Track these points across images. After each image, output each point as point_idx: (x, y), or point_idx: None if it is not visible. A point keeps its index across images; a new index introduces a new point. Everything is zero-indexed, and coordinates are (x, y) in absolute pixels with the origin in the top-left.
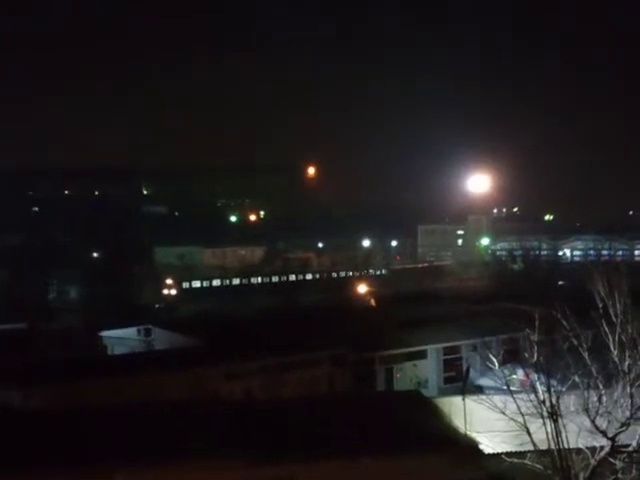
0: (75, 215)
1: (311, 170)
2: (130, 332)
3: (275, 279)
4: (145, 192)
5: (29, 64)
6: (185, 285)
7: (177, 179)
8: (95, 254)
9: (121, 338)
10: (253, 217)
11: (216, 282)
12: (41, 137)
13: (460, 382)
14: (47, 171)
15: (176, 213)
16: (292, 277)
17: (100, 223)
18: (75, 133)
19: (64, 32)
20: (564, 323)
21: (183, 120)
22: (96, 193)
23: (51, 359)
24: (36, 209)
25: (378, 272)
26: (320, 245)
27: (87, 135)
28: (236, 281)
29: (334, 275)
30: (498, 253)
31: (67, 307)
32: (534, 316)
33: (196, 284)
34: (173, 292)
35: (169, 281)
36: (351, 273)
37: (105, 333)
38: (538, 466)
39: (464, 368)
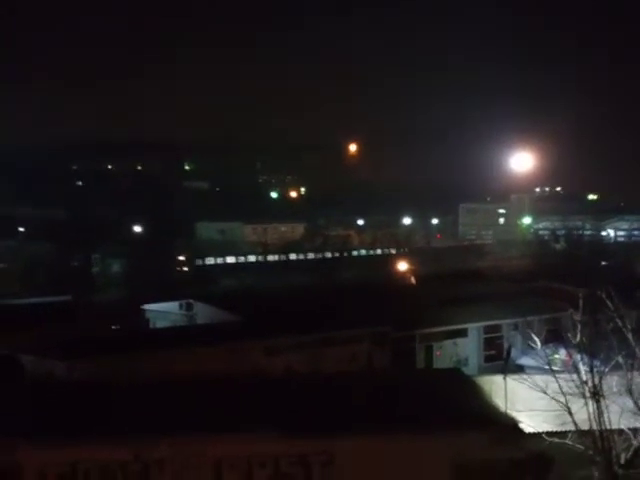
0: (118, 190)
1: (352, 147)
2: (172, 306)
3: (315, 256)
4: (187, 167)
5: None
6: (227, 260)
7: (219, 155)
8: (138, 229)
9: (163, 312)
10: (294, 194)
11: (254, 258)
12: (87, 112)
13: (500, 361)
14: (91, 146)
15: (217, 189)
16: (332, 254)
17: (142, 198)
18: (120, 108)
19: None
20: (608, 303)
21: (228, 97)
22: (139, 168)
23: (95, 331)
24: (80, 183)
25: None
26: (361, 222)
27: (132, 110)
28: (276, 257)
29: (375, 252)
30: (540, 232)
31: (110, 281)
32: (577, 296)
33: (232, 259)
34: (185, 269)
35: (181, 258)
36: (393, 251)
37: (147, 307)
38: (579, 446)
39: (505, 347)
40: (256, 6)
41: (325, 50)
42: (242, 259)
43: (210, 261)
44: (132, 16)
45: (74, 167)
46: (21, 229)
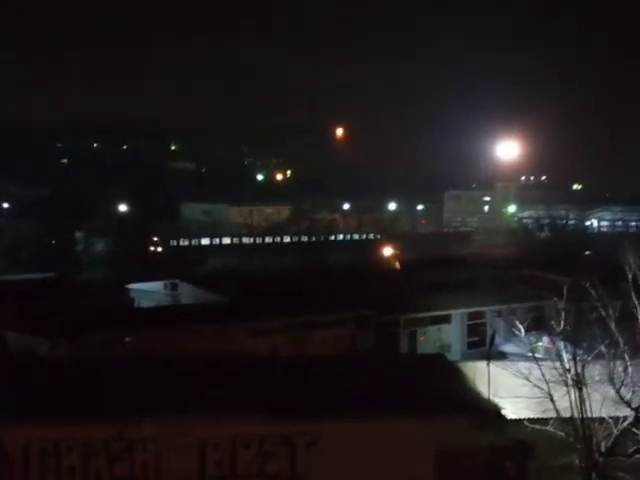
0: (103, 168)
1: (339, 131)
2: (157, 286)
3: (301, 239)
4: (173, 148)
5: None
6: (212, 241)
7: (205, 136)
8: (123, 208)
9: (148, 291)
10: (280, 176)
11: (240, 239)
12: (73, 90)
13: (483, 347)
14: (76, 124)
15: (203, 170)
16: (317, 237)
17: (128, 177)
18: (106, 87)
19: None
20: (592, 292)
21: (215, 79)
22: (125, 147)
23: (79, 309)
24: (64, 161)
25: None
26: (346, 207)
27: (118, 90)
28: (261, 240)
29: (360, 237)
30: (525, 221)
31: (94, 259)
32: (561, 284)
33: (217, 241)
34: (159, 249)
35: (155, 238)
36: (377, 236)
37: (132, 286)
38: (560, 433)
39: (489, 334)
40: None
41: (311, 33)
42: (227, 240)
43: (195, 242)
44: None
45: (59, 145)
46: (5, 205)
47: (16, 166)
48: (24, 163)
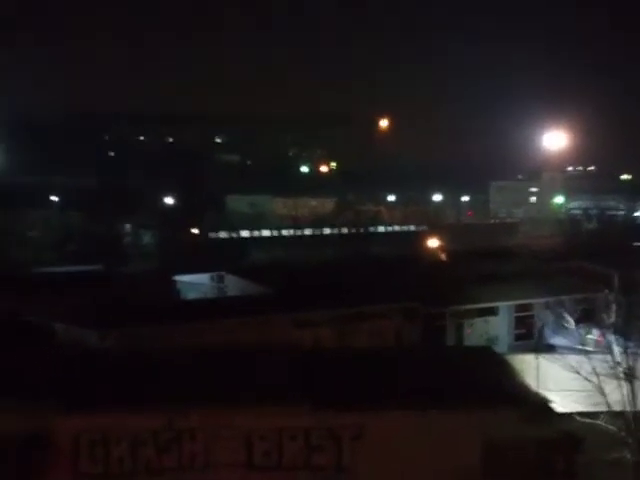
0: (150, 161)
1: (384, 122)
2: (203, 278)
3: (346, 231)
4: (218, 140)
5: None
6: (257, 233)
7: (250, 128)
8: (169, 200)
9: (194, 283)
10: (324, 168)
11: (286, 232)
12: (119, 83)
13: (531, 340)
14: (123, 116)
15: (248, 162)
16: (363, 229)
17: (174, 169)
18: (152, 80)
19: None
20: None
21: (261, 70)
22: (170, 140)
23: (126, 301)
24: (112, 154)
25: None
26: (391, 198)
27: (164, 83)
28: (307, 231)
29: (405, 228)
30: (572, 212)
31: (142, 252)
32: (609, 276)
33: (265, 233)
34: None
35: (196, 231)
36: (422, 227)
37: (179, 278)
38: (611, 427)
39: (536, 326)
40: None
41: (358, 23)
42: (272, 232)
43: (240, 234)
44: None
45: (106, 137)
46: (54, 198)
47: (64, 159)
48: (72, 156)
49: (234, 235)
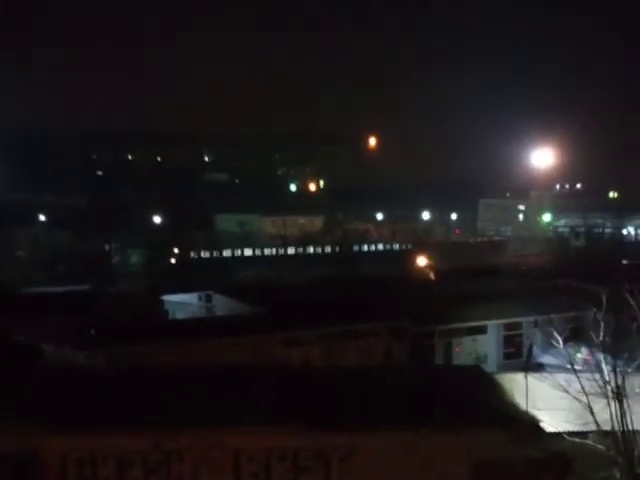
0: (138, 180)
1: (372, 141)
2: (191, 297)
3: (334, 249)
4: (206, 159)
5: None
6: (245, 252)
7: (238, 147)
8: (157, 219)
9: (182, 303)
10: (313, 186)
11: (273, 250)
12: (105, 103)
13: (520, 359)
14: (110, 136)
15: (236, 180)
16: (351, 248)
17: (162, 189)
18: (138, 99)
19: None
20: (632, 302)
21: (245, 88)
22: (158, 159)
23: (114, 321)
24: (100, 173)
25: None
26: (379, 216)
27: (150, 101)
28: (295, 250)
29: (393, 247)
30: (560, 230)
31: (129, 271)
32: (598, 294)
33: (254, 252)
34: (174, 261)
35: (175, 250)
36: (410, 245)
37: (166, 297)
38: (600, 447)
39: (525, 345)
40: None
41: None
42: (261, 251)
43: (229, 253)
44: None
45: (93, 156)
46: (42, 217)
47: (52, 177)
48: (60, 174)
49: (222, 254)
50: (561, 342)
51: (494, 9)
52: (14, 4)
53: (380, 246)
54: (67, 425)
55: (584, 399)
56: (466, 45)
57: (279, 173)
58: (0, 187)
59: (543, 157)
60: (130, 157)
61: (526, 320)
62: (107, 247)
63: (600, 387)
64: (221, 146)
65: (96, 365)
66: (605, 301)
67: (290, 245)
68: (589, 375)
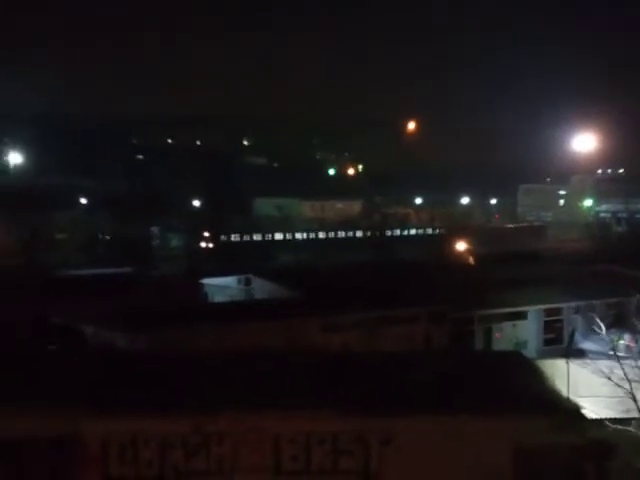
0: (178, 164)
1: (411, 125)
2: (230, 281)
3: (373, 234)
4: (245, 143)
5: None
6: (284, 236)
7: (277, 131)
8: (197, 203)
9: (221, 286)
10: (351, 171)
11: (308, 235)
12: (148, 86)
13: (560, 345)
14: (151, 120)
15: (275, 165)
16: (390, 232)
17: (202, 173)
18: (179, 84)
19: None
20: None
21: (286, 72)
22: (198, 143)
23: (156, 304)
24: (140, 157)
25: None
26: (418, 201)
27: (191, 86)
28: (333, 234)
29: (433, 231)
30: (602, 215)
31: (169, 254)
32: (638, 279)
33: (290, 235)
34: (210, 245)
35: (206, 234)
36: (451, 230)
37: (206, 281)
38: None
39: (566, 331)
40: None
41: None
42: (299, 235)
43: (268, 237)
44: None
45: (134, 140)
46: (82, 201)
47: (93, 162)
48: (101, 159)
49: (261, 238)
50: (603, 328)
51: None
52: None
53: (419, 230)
54: (108, 408)
55: (626, 386)
56: (513, 29)
57: (318, 157)
58: (40, 171)
59: (585, 142)
60: (170, 141)
61: (567, 306)
62: (147, 231)
63: None
64: (259, 130)
65: (136, 348)
66: None
67: (328, 229)
68: (632, 362)
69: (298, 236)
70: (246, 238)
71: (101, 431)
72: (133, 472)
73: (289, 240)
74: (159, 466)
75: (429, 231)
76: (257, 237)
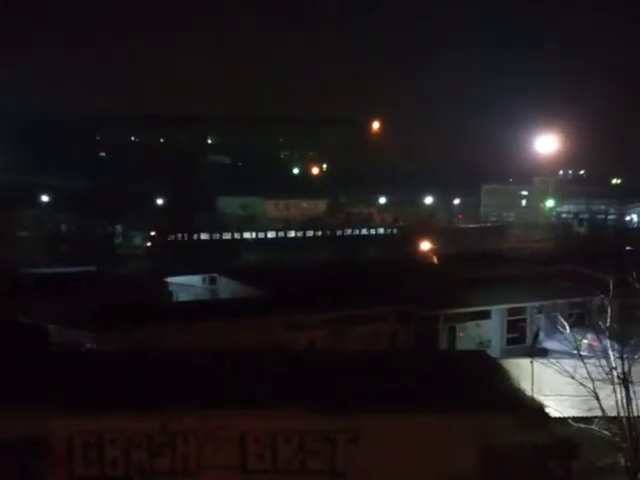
0: (141, 162)
1: (375, 125)
2: (195, 280)
3: (337, 233)
4: (209, 141)
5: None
6: (248, 235)
7: (241, 129)
8: (160, 201)
9: (186, 285)
10: (316, 170)
11: (273, 234)
12: (110, 85)
13: (523, 344)
14: (114, 117)
15: (239, 163)
16: (354, 231)
17: (165, 171)
18: (142, 82)
19: None
20: (638, 288)
21: (248, 71)
22: (161, 140)
23: (120, 302)
24: (103, 154)
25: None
26: (382, 201)
27: (153, 84)
28: (298, 233)
29: (396, 231)
30: (563, 216)
31: (132, 253)
32: (601, 280)
33: (254, 234)
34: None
35: (153, 233)
36: (414, 230)
37: (170, 279)
38: (606, 432)
39: (530, 330)
40: None
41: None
42: (264, 234)
43: (231, 235)
44: None
45: (97, 138)
46: (45, 198)
47: (57, 160)
48: (65, 157)
49: (225, 236)
50: (567, 327)
51: None
52: None
53: (382, 230)
54: (73, 408)
55: (590, 385)
56: (477, 31)
57: (282, 156)
58: (3, 169)
59: (546, 143)
60: (133, 139)
61: (530, 305)
62: (109, 229)
63: (606, 373)
64: (224, 129)
65: (102, 347)
66: (612, 286)
67: (293, 228)
68: (595, 361)
69: (262, 235)
70: (210, 237)
71: (66, 430)
72: (98, 472)
73: (253, 239)
74: (124, 466)
75: (393, 230)
76: (221, 236)
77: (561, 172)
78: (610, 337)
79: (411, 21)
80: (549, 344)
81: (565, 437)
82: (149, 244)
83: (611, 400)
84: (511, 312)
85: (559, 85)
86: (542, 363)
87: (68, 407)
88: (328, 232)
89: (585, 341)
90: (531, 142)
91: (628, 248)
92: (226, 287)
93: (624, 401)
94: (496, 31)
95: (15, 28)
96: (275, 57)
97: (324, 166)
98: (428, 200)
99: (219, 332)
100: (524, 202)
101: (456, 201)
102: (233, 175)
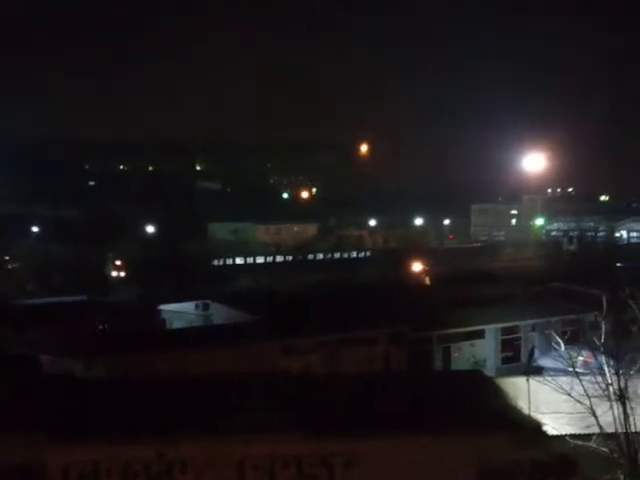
0: (131, 190)
1: (363, 147)
2: (188, 306)
3: (329, 256)
4: (199, 168)
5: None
6: (240, 260)
7: (230, 156)
8: (150, 229)
9: (179, 312)
10: (305, 194)
11: (264, 259)
12: (98, 112)
13: (518, 362)
14: (103, 146)
15: (229, 189)
16: (346, 254)
17: (155, 198)
18: (130, 109)
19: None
20: (632, 304)
21: (237, 97)
22: (150, 168)
23: (112, 330)
24: (92, 183)
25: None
26: (372, 223)
27: (141, 111)
28: (289, 257)
29: (387, 253)
30: (553, 234)
31: (123, 280)
32: (593, 297)
33: (249, 260)
34: (122, 274)
35: (118, 262)
36: (405, 251)
37: (163, 307)
38: (604, 449)
39: (524, 348)
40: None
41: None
42: (255, 259)
43: (223, 261)
44: (134, 13)
45: (87, 167)
46: (35, 229)
47: (46, 189)
48: (53, 185)
49: (220, 262)
50: (562, 345)
51: (481, 16)
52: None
53: (374, 252)
54: (68, 437)
55: (586, 402)
56: (463, 51)
57: (271, 181)
58: None
59: (535, 162)
60: (122, 167)
61: (524, 324)
62: (100, 257)
63: (603, 390)
64: (212, 155)
65: (95, 375)
66: (605, 303)
67: (284, 253)
68: (591, 378)
69: (253, 260)
70: (201, 263)
71: (62, 460)
72: None
73: (245, 264)
74: None
75: (384, 252)
76: (213, 262)
77: (550, 190)
78: (605, 353)
79: (396, 39)
80: (544, 362)
81: (563, 454)
82: (114, 273)
83: (608, 417)
84: (505, 331)
85: (546, 104)
86: (538, 381)
87: (63, 436)
88: (320, 255)
89: (580, 358)
90: (519, 161)
91: (619, 264)
92: (219, 313)
93: (621, 417)
94: (484, 49)
95: None
96: (261, 82)
97: (313, 190)
98: (418, 221)
99: (213, 359)
100: (514, 221)
101: (446, 221)
102: (223, 201)
